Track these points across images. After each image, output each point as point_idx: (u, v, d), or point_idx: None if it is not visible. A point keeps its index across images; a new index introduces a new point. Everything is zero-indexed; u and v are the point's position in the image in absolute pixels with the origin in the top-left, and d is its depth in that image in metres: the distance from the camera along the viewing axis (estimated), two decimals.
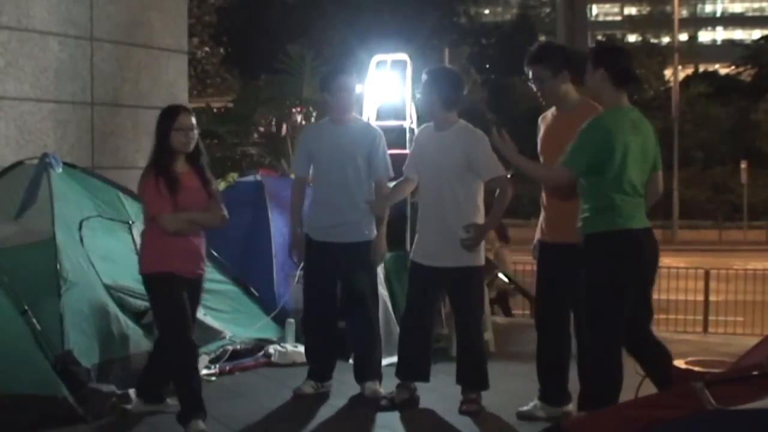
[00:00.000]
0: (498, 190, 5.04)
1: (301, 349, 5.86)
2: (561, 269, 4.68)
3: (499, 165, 5.01)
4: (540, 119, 5.03)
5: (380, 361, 5.44)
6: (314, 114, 10.35)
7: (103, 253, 5.61)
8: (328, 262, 5.30)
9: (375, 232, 5.37)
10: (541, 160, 4.89)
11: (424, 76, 5.22)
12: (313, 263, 5.39)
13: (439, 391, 5.32)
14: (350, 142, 5.28)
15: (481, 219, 5.07)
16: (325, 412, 5.13)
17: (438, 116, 5.12)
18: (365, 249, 5.32)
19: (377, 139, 5.35)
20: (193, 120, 4.73)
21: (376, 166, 5.31)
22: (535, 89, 4.85)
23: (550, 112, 4.93)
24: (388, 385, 5.32)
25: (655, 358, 4.08)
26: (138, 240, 5.87)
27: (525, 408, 4.92)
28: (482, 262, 5.15)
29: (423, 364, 5.24)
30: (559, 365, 4.84)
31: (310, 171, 5.45)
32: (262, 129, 12.07)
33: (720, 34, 66.04)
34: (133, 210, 6.05)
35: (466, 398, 5.09)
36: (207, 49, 21.29)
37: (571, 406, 4.80)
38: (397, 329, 5.90)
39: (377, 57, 7.64)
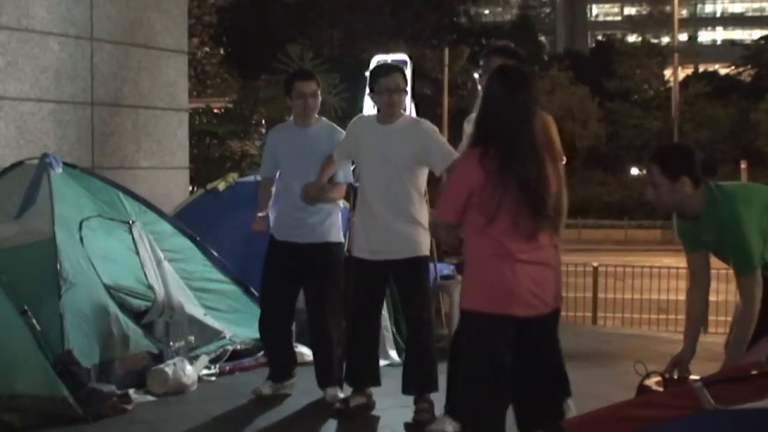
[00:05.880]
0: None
1: (301, 348, 5.86)
2: None
3: (452, 151, 4.80)
4: (465, 123, 4.79)
5: (340, 366, 5.30)
6: None
7: (103, 253, 5.60)
8: (289, 261, 5.27)
9: (340, 234, 5.36)
10: None
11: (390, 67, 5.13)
12: (274, 262, 5.35)
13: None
14: (312, 145, 5.25)
15: (425, 210, 4.89)
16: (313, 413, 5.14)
17: (396, 110, 4.94)
18: (327, 250, 5.27)
19: (339, 140, 5.28)
20: None
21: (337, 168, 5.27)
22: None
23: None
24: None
25: None
26: (140, 240, 5.88)
27: (434, 426, 4.62)
28: (427, 252, 4.98)
29: (372, 368, 5.11)
30: None
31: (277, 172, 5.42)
32: (263, 130, 12.07)
33: (720, 34, 66.08)
34: (134, 210, 6.05)
35: (419, 407, 4.90)
36: (207, 49, 21.29)
37: None
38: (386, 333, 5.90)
39: (377, 57, 7.65)
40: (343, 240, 5.47)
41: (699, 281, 3.97)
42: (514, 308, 3.34)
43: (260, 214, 5.43)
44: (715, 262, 4.16)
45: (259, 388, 5.36)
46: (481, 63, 4.82)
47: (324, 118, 5.47)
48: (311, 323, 5.40)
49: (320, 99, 5.38)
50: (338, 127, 5.44)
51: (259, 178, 7.24)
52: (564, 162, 4.53)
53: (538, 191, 3.35)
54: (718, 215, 3.72)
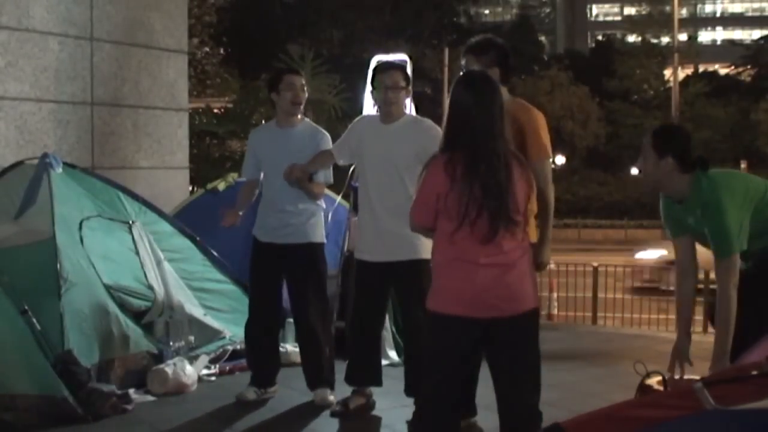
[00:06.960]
0: None
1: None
2: None
3: None
4: None
5: (331, 368, 5.30)
6: (310, 114, 10.35)
7: (103, 253, 5.61)
8: (273, 263, 5.26)
9: (323, 235, 5.33)
10: None
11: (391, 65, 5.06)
12: (259, 264, 5.34)
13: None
14: (294, 145, 5.21)
15: None
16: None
17: (399, 109, 4.91)
18: (310, 251, 5.25)
19: (321, 141, 5.26)
20: None
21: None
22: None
23: None
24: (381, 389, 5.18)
25: None
26: (140, 240, 5.89)
27: None
28: (427, 255, 4.78)
29: (374, 368, 5.10)
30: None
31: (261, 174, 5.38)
32: None
33: (720, 34, 66.16)
34: (134, 210, 6.06)
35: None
36: (207, 49, 21.27)
37: (476, 418, 4.60)
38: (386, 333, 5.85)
39: (377, 57, 7.65)
40: (325, 241, 5.42)
41: (686, 270, 4.09)
42: (474, 311, 3.40)
43: (233, 210, 5.36)
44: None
45: (244, 393, 5.32)
46: (463, 62, 4.77)
47: (307, 119, 5.44)
48: (297, 324, 5.39)
49: (306, 96, 5.34)
50: (321, 128, 5.41)
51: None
52: (550, 160, 4.52)
53: (503, 197, 3.40)
54: (701, 198, 3.84)
